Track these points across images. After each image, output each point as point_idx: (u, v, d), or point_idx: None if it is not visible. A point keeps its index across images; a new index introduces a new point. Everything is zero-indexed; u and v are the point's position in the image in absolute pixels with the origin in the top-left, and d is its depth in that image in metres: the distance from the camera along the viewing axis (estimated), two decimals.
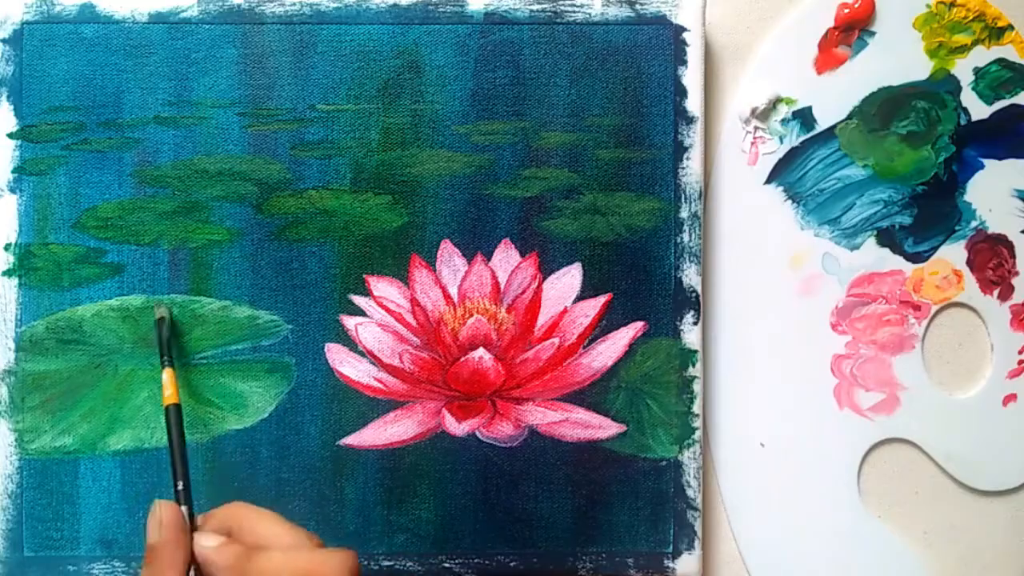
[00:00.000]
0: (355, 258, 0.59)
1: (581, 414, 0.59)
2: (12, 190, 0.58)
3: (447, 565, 0.59)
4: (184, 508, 0.47)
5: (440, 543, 0.59)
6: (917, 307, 0.62)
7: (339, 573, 0.43)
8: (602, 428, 0.59)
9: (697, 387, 0.60)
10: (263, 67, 0.59)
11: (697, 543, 0.60)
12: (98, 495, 0.58)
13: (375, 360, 0.59)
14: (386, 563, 0.59)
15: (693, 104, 0.59)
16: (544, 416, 0.59)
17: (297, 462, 0.58)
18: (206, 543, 0.44)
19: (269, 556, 0.44)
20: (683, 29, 0.59)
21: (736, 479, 0.62)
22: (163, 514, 0.45)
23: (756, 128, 0.62)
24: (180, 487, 0.49)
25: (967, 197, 0.62)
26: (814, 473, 0.62)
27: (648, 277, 0.60)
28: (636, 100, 0.59)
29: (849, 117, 0.62)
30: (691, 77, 0.59)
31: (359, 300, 0.59)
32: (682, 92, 0.59)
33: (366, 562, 0.59)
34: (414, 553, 0.59)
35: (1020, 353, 0.63)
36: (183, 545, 0.44)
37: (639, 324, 0.60)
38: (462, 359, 0.59)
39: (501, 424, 0.59)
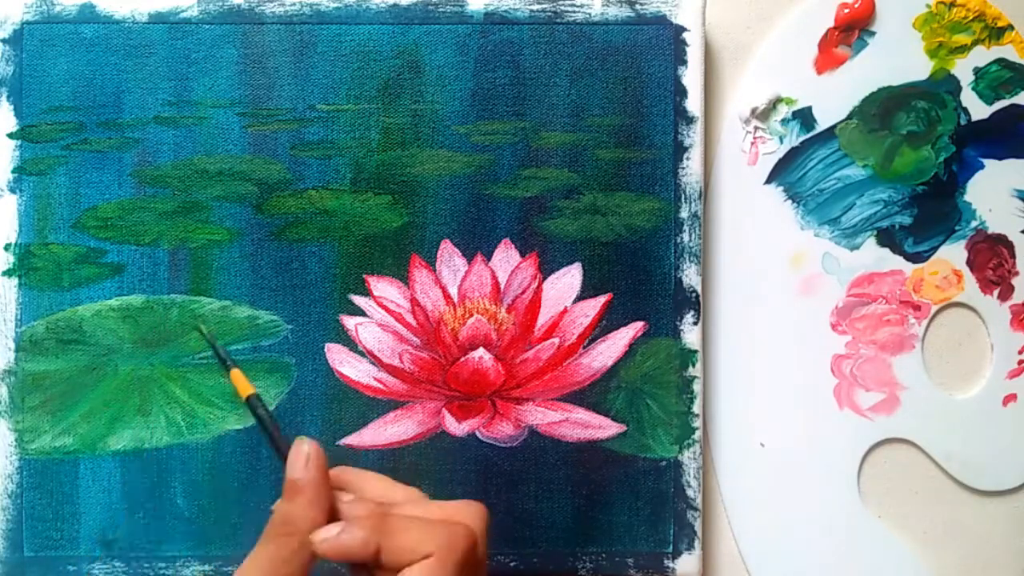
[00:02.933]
0: (355, 258, 0.59)
1: (581, 414, 0.59)
2: (12, 190, 0.58)
3: None
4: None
5: None
6: (917, 307, 0.62)
7: (474, 519, 0.44)
8: (602, 428, 0.59)
9: (697, 387, 0.60)
10: (263, 67, 0.59)
11: (697, 543, 0.60)
12: (98, 495, 0.58)
13: (375, 360, 0.59)
14: None
15: (693, 104, 0.59)
16: (544, 416, 0.59)
17: None
18: (345, 498, 0.44)
19: (403, 508, 0.44)
20: (683, 29, 0.59)
21: (736, 479, 0.62)
22: (312, 451, 0.44)
23: (756, 128, 0.62)
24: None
25: (967, 197, 0.62)
26: (814, 473, 0.62)
27: (648, 277, 0.60)
28: (636, 100, 0.59)
29: (849, 117, 0.62)
30: (691, 77, 0.59)
31: (359, 300, 0.59)
32: (682, 92, 0.59)
33: None
34: None
35: (1020, 353, 0.63)
36: (328, 488, 0.43)
37: (639, 324, 0.60)
38: (462, 359, 0.59)
39: (501, 424, 0.59)
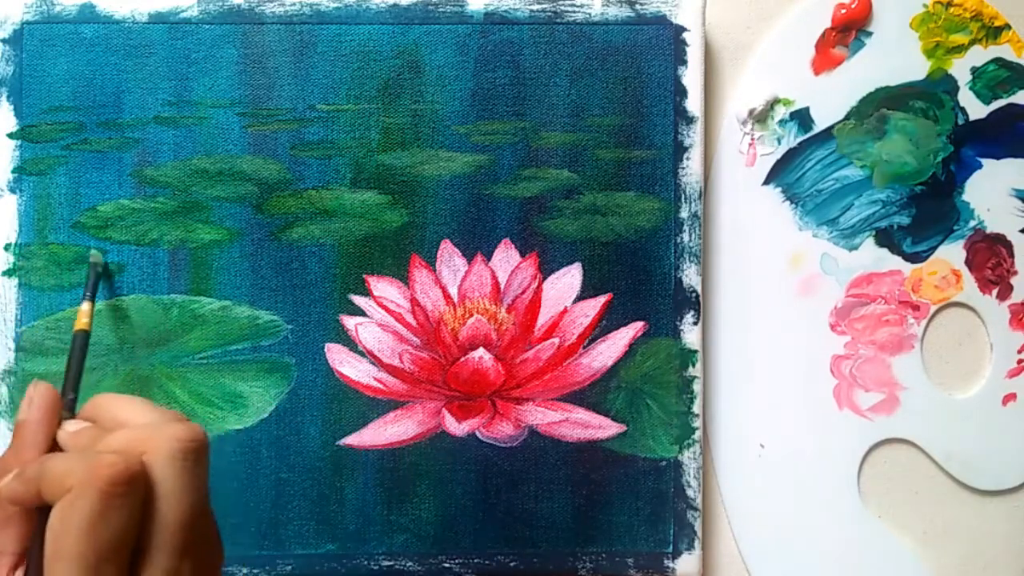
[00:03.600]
0: (355, 258, 0.59)
1: (581, 414, 0.59)
2: (12, 190, 0.58)
3: (447, 565, 0.59)
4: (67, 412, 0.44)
5: (440, 543, 0.59)
6: (916, 307, 0.62)
7: (166, 442, 0.38)
8: (602, 428, 0.59)
9: (697, 387, 0.60)
10: (263, 67, 0.59)
11: (697, 543, 0.60)
12: None
13: (375, 360, 0.59)
14: (386, 563, 0.59)
15: (693, 104, 0.60)
16: (544, 416, 0.59)
17: (297, 462, 0.58)
18: (67, 428, 0.42)
19: (115, 435, 0.39)
20: (683, 29, 0.59)
21: (736, 479, 0.62)
22: (35, 392, 0.42)
23: (753, 129, 0.62)
24: (71, 397, 0.46)
25: (965, 197, 0.62)
26: (814, 473, 0.62)
27: (648, 277, 0.60)
28: (636, 100, 0.59)
29: (847, 118, 0.62)
30: (691, 77, 0.60)
31: (359, 300, 0.59)
32: (682, 92, 0.60)
33: (366, 562, 0.58)
34: (414, 553, 0.59)
35: (1019, 352, 0.63)
36: (49, 426, 0.42)
37: (639, 324, 0.60)
38: (462, 359, 0.59)
39: (501, 424, 0.59)
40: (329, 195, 0.59)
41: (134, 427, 0.40)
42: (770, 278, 0.62)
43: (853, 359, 0.62)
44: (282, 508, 0.58)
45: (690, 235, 0.60)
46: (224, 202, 0.59)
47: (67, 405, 0.45)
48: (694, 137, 0.60)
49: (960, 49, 0.62)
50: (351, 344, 0.59)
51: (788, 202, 0.62)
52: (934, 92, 0.62)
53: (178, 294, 0.58)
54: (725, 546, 0.62)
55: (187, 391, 0.58)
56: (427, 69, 0.59)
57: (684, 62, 0.60)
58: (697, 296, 0.60)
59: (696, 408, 0.60)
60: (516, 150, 0.59)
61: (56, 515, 0.36)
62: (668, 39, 0.59)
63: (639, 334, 0.60)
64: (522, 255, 0.59)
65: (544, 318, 0.59)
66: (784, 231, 0.62)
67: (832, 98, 0.62)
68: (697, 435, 0.60)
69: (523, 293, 0.59)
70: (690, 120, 0.60)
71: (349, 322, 0.59)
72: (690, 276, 0.60)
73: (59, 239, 0.58)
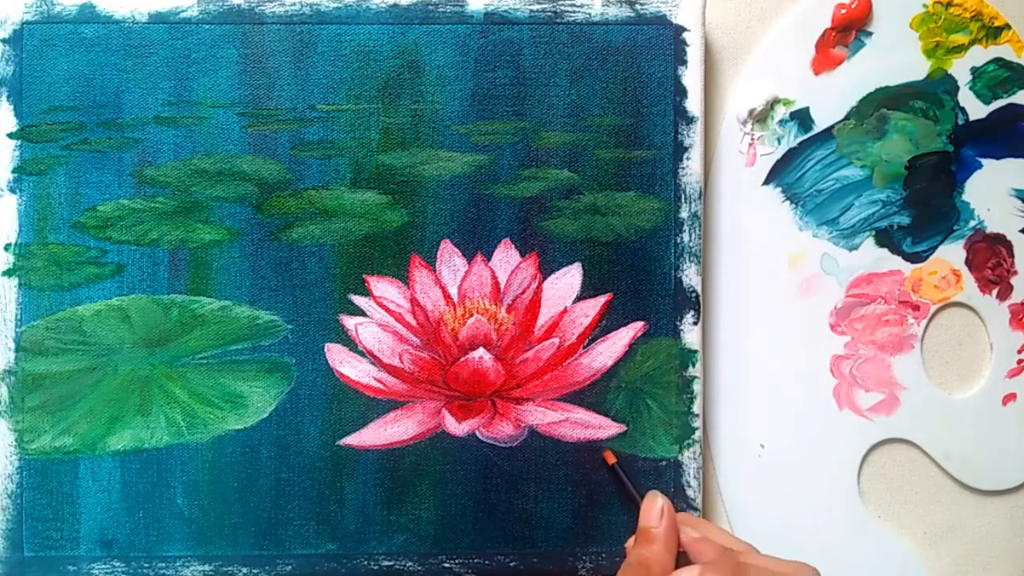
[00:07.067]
0: (355, 258, 0.59)
1: (581, 414, 0.59)
2: (12, 190, 0.58)
3: (447, 565, 0.59)
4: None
5: (440, 543, 0.59)
6: (916, 307, 0.62)
7: None
8: (602, 428, 0.59)
9: (697, 387, 0.60)
10: (263, 67, 0.59)
11: None
12: (98, 495, 0.58)
13: (375, 360, 0.59)
14: (386, 563, 0.59)
15: (693, 104, 0.60)
16: (544, 416, 0.59)
17: (297, 462, 0.58)
18: (692, 534, 0.51)
19: (750, 555, 0.50)
20: (683, 29, 0.59)
21: (736, 479, 0.62)
22: (665, 504, 0.52)
23: (753, 129, 0.62)
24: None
25: (965, 197, 0.62)
26: (814, 473, 0.62)
27: (648, 277, 0.60)
28: (636, 100, 0.59)
29: (847, 118, 0.62)
30: (691, 77, 0.60)
31: (359, 300, 0.59)
32: (682, 92, 0.60)
33: (366, 562, 0.58)
34: (414, 553, 0.59)
35: (1019, 352, 0.63)
36: (676, 536, 0.51)
37: (639, 324, 0.60)
38: (462, 359, 0.59)
39: (501, 424, 0.59)
40: (329, 195, 0.59)
41: (773, 559, 0.50)
42: (770, 278, 0.62)
43: (853, 359, 0.62)
44: (282, 508, 0.58)
45: (690, 235, 0.60)
46: (224, 202, 0.59)
47: None
48: (694, 137, 0.60)
49: (960, 49, 0.62)
50: (351, 344, 0.59)
51: (788, 202, 0.62)
52: (934, 92, 0.62)
53: (178, 294, 0.58)
54: None
55: (187, 391, 0.58)
56: (427, 69, 0.59)
57: (684, 62, 0.60)
58: (697, 296, 0.60)
59: (696, 408, 0.60)
60: (516, 150, 0.59)
61: None
62: (668, 39, 0.59)
63: (639, 334, 0.60)
64: (522, 255, 0.59)
65: (544, 318, 0.59)
66: (784, 231, 0.62)
67: (832, 98, 0.62)
68: (697, 435, 0.60)
69: (523, 293, 0.59)
70: (690, 120, 0.60)
71: (349, 322, 0.59)
72: (690, 276, 0.60)
73: (59, 239, 0.58)
